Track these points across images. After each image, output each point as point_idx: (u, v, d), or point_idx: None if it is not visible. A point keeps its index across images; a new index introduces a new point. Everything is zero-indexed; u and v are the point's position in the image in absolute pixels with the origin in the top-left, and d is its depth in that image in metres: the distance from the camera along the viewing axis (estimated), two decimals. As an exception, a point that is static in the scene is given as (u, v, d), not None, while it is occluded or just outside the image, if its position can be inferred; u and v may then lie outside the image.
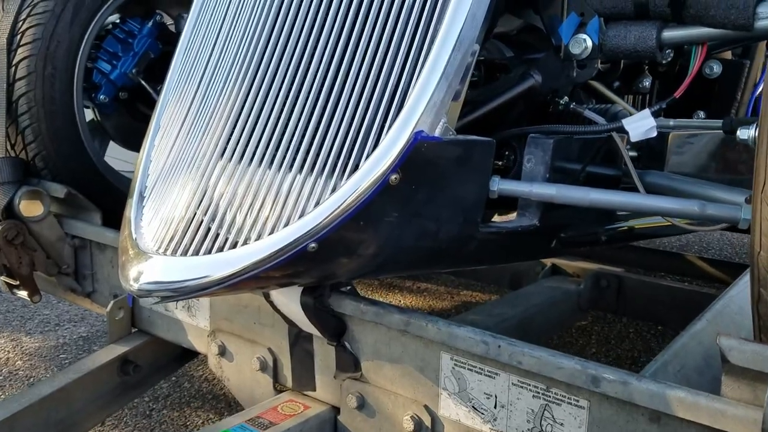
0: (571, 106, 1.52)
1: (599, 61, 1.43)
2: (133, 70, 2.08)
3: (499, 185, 1.33)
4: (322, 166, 1.18)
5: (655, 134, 1.31)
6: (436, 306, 3.14)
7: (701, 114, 1.89)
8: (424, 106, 1.16)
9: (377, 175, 1.14)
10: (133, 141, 2.28)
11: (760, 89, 2.02)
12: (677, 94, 1.32)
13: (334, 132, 1.19)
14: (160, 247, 1.22)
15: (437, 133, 1.19)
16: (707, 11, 1.23)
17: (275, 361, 1.54)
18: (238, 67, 1.32)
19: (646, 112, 1.31)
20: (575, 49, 1.37)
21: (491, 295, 3.20)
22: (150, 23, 2.09)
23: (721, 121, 1.46)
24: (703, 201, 1.24)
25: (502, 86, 1.50)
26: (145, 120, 1.97)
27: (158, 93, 1.61)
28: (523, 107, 1.51)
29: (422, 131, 1.16)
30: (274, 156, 1.22)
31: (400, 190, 1.16)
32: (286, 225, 1.16)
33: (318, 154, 1.19)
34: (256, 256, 1.14)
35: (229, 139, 1.27)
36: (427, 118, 1.16)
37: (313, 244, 1.14)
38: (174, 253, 1.20)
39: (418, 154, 1.15)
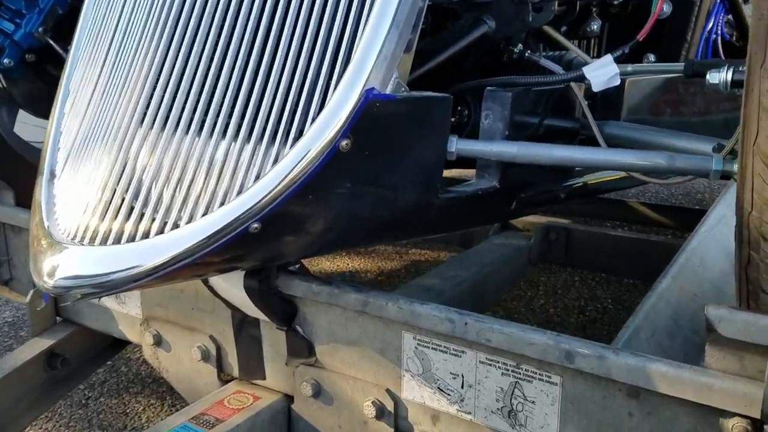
0: (526, 54, 1.41)
1: (556, 3, 1.32)
2: (40, 29, 1.85)
3: (458, 145, 1.21)
4: (260, 132, 1.03)
5: (618, 82, 1.22)
6: (386, 267, 3.06)
7: (651, 57, 1.81)
8: (374, 59, 1.02)
9: (326, 141, 1.01)
10: (45, 108, 2.05)
11: (709, 27, 1.96)
12: (640, 36, 1.23)
13: (272, 91, 1.04)
14: (76, 236, 1.06)
15: (389, 90, 1.06)
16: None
17: (218, 349, 1.41)
18: (156, 16, 1.14)
19: (608, 58, 1.21)
20: (531, -5, 1.26)
21: (441, 253, 3.14)
22: None
23: (682, 64, 1.39)
24: (671, 153, 1.17)
25: (452, 34, 1.37)
26: (57, 84, 1.76)
27: (67, 53, 1.41)
28: (476, 57, 1.39)
29: (373, 88, 1.03)
30: (203, 121, 1.07)
31: (352, 157, 1.03)
32: (223, 203, 1.02)
33: (255, 118, 1.04)
34: (191, 241, 1.00)
35: (149, 102, 1.10)
36: (377, 73, 1.03)
37: (255, 225, 1.00)
38: (93, 241, 1.04)
39: (370, 115, 1.02)
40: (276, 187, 1.00)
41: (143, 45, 1.14)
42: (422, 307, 1.13)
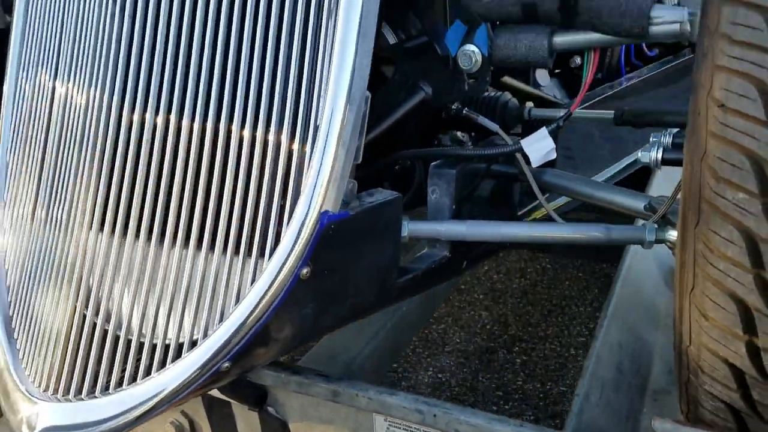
0: (464, 111, 1.43)
1: (491, 74, 1.34)
2: None
3: (409, 227, 1.26)
4: (221, 265, 1.04)
5: (554, 156, 1.26)
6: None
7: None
8: (325, 183, 1.03)
9: (285, 273, 1.03)
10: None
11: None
12: (573, 108, 1.27)
13: (224, 227, 1.04)
14: (48, 388, 1.06)
15: (342, 200, 1.07)
16: (600, 18, 1.15)
17: (191, 423, 1.45)
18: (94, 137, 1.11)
19: (544, 132, 1.26)
20: (464, 63, 1.27)
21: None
22: None
23: (612, 112, 1.45)
24: (608, 225, 1.24)
25: (391, 100, 1.37)
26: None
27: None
28: (416, 120, 1.40)
29: (327, 211, 1.04)
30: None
31: (313, 281, 1.06)
32: (191, 344, 1.04)
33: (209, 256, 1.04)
34: (168, 387, 1.02)
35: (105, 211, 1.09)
36: (331, 194, 1.04)
37: (226, 364, 1.03)
38: (67, 393, 1.05)
39: (326, 239, 1.04)
40: (240, 327, 1.02)
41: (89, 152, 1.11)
42: (392, 398, 1.20)
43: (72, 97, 1.17)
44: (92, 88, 1.12)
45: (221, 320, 1.03)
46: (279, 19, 1.02)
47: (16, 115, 1.27)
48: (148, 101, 1.07)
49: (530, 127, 1.45)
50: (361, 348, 1.79)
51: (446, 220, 1.29)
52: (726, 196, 0.79)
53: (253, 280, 1.03)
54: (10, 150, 1.27)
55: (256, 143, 1.03)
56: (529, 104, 1.52)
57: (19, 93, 1.26)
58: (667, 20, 1.11)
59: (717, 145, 0.79)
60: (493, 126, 1.39)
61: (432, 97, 1.35)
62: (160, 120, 1.06)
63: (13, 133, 1.27)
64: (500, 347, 2.57)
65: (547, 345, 2.59)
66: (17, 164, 1.25)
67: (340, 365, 1.73)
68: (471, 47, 1.24)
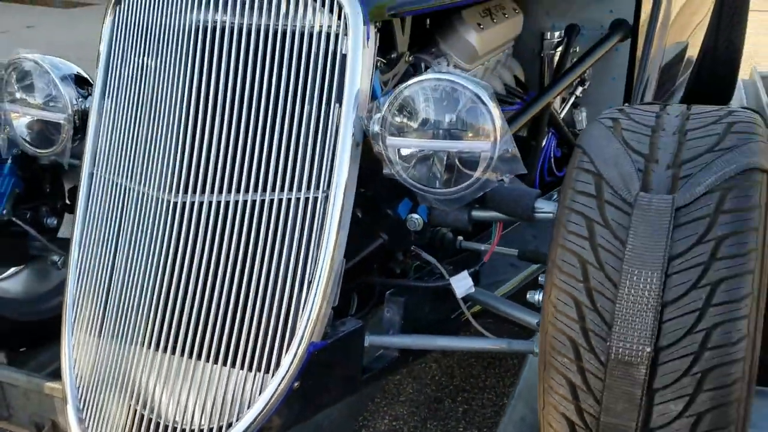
0: (412, 248, 1.93)
1: (430, 231, 1.86)
2: (3, 211, 2.15)
3: (369, 339, 1.76)
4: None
5: (473, 290, 1.79)
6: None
7: None
8: (312, 325, 1.55)
9: (283, 386, 1.53)
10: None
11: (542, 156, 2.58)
12: (487, 256, 1.80)
13: (243, 352, 1.55)
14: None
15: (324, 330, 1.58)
16: (500, 206, 1.68)
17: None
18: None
19: (465, 274, 1.78)
20: (411, 225, 1.78)
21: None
22: (9, 161, 2.15)
23: (516, 250, 1.97)
24: (510, 340, 1.77)
25: (361, 242, 1.87)
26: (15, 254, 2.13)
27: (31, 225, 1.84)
28: (374, 258, 1.91)
29: (314, 342, 1.55)
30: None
31: (301, 389, 1.56)
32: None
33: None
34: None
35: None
36: (317, 331, 1.55)
37: (241, 447, 1.53)
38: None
39: (312, 361, 1.55)
40: (251, 425, 1.52)
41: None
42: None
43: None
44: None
45: (238, 419, 1.53)
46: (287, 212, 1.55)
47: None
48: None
49: (462, 256, 1.97)
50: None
51: (396, 333, 1.80)
52: (557, 358, 1.32)
53: (261, 391, 1.54)
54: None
55: (267, 296, 1.54)
56: (460, 238, 2.04)
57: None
58: (545, 210, 1.64)
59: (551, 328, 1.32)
60: (432, 260, 1.90)
61: (388, 244, 1.86)
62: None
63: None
64: (446, 396, 3.08)
65: (485, 395, 3.11)
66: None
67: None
68: (415, 215, 1.76)
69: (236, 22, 1.59)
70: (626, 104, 2.07)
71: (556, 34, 2.69)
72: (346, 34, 1.59)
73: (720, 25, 4.34)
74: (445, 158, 1.60)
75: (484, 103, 1.52)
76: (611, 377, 1.26)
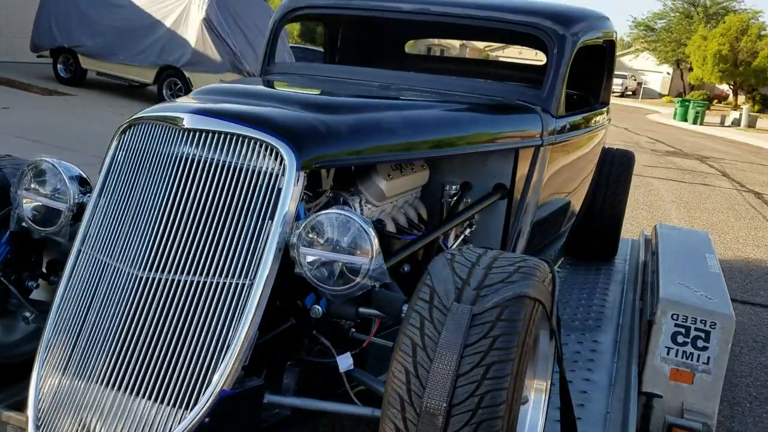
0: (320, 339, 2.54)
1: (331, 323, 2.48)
2: None
3: (268, 398, 2.33)
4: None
5: (352, 368, 2.39)
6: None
7: None
8: (224, 380, 2.12)
9: (197, 420, 2.08)
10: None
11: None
12: (365, 343, 2.42)
13: (167, 389, 2.11)
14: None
15: (233, 382, 2.15)
16: (378, 306, 2.33)
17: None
18: None
19: (348, 354, 2.39)
20: (313, 314, 2.41)
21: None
22: (8, 233, 2.73)
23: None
24: (373, 408, 2.35)
25: (274, 324, 2.48)
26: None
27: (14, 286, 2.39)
28: (285, 336, 2.51)
29: (224, 389, 2.12)
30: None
31: (210, 425, 2.11)
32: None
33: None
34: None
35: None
36: (228, 382, 2.13)
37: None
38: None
39: (222, 403, 2.11)
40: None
41: None
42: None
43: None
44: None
45: (158, 443, 2.06)
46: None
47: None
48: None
49: (352, 341, 2.59)
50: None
51: (290, 395, 2.37)
52: (389, 410, 1.93)
53: (180, 422, 2.08)
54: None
55: (196, 352, 2.12)
56: (353, 330, 2.66)
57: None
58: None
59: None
60: (327, 342, 2.51)
61: (295, 326, 2.47)
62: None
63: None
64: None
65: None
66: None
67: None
68: (317, 307, 2.38)
69: (205, 156, 2.28)
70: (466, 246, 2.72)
71: (454, 187, 3.48)
72: (283, 175, 2.29)
73: (601, 185, 5.27)
74: (338, 266, 2.26)
75: (366, 233, 2.22)
76: (422, 424, 1.87)
